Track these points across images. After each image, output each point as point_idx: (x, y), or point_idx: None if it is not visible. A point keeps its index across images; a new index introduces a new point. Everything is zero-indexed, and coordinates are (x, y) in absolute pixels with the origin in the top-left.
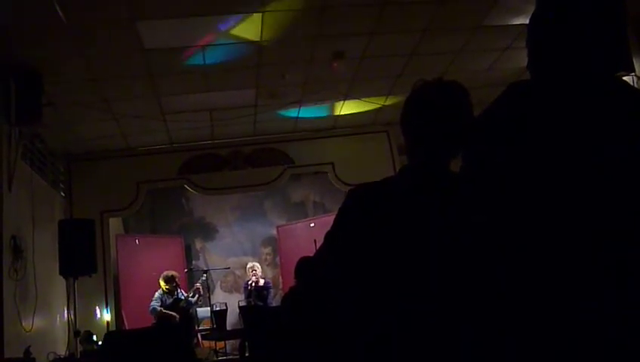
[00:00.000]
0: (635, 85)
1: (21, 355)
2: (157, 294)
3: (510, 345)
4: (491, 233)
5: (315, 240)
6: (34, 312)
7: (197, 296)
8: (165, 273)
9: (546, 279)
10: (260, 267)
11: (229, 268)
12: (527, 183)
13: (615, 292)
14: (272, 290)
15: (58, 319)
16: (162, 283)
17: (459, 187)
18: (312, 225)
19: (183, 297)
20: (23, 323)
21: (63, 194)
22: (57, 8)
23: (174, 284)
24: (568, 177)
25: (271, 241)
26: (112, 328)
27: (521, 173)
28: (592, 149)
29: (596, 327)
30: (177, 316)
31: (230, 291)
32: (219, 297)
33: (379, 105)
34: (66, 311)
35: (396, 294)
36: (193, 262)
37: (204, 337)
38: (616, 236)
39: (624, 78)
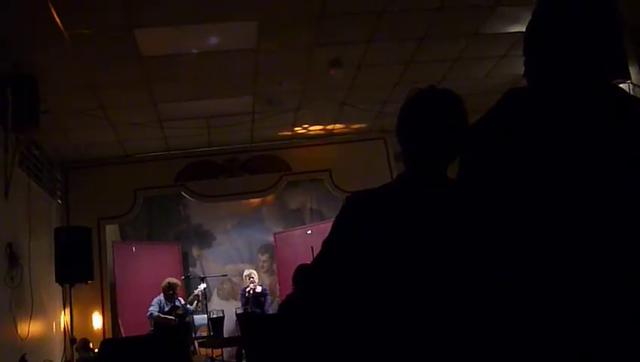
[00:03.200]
0: (632, 92)
1: None
2: (155, 300)
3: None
4: (486, 238)
5: (312, 248)
6: (30, 319)
7: (196, 302)
8: (168, 279)
9: (541, 282)
10: (257, 274)
11: (226, 275)
12: (524, 190)
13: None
14: (269, 297)
15: (54, 326)
16: (162, 288)
17: (455, 193)
18: (309, 232)
19: (180, 304)
20: (19, 331)
21: (59, 201)
22: (55, 15)
23: (172, 292)
24: (564, 184)
25: (268, 248)
26: (109, 335)
27: (517, 180)
28: (589, 156)
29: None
30: (173, 318)
31: (227, 298)
32: (216, 304)
33: None
34: (62, 319)
35: (394, 300)
36: (190, 270)
37: (201, 344)
38: (611, 248)
39: (620, 85)
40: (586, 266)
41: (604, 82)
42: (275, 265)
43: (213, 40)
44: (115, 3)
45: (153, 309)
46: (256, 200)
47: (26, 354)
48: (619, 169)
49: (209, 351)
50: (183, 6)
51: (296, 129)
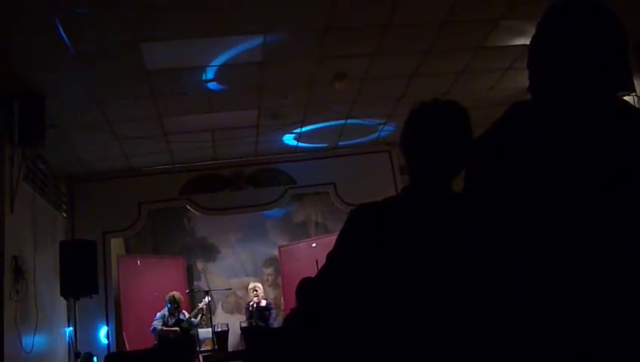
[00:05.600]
0: (636, 105)
1: None
2: (159, 314)
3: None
4: (490, 251)
5: (316, 261)
6: (34, 333)
7: (200, 315)
8: (171, 293)
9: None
10: (261, 287)
11: (230, 288)
12: (527, 202)
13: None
14: (273, 311)
15: (59, 340)
16: (166, 302)
17: (460, 206)
18: (313, 245)
19: (184, 318)
20: (24, 344)
21: (64, 215)
22: (61, 30)
23: (176, 306)
24: (567, 196)
25: (273, 262)
26: (113, 349)
27: (522, 192)
28: (592, 169)
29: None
30: (177, 329)
31: (232, 312)
32: (220, 318)
33: None
34: (66, 333)
35: (398, 313)
36: (195, 283)
37: (205, 358)
38: (611, 255)
39: (625, 97)
40: (586, 270)
41: (609, 95)
42: (279, 279)
43: (219, 53)
44: (120, 18)
45: (156, 323)
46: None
47: None
48: (621, 184)
49: None
50: (188, 20)
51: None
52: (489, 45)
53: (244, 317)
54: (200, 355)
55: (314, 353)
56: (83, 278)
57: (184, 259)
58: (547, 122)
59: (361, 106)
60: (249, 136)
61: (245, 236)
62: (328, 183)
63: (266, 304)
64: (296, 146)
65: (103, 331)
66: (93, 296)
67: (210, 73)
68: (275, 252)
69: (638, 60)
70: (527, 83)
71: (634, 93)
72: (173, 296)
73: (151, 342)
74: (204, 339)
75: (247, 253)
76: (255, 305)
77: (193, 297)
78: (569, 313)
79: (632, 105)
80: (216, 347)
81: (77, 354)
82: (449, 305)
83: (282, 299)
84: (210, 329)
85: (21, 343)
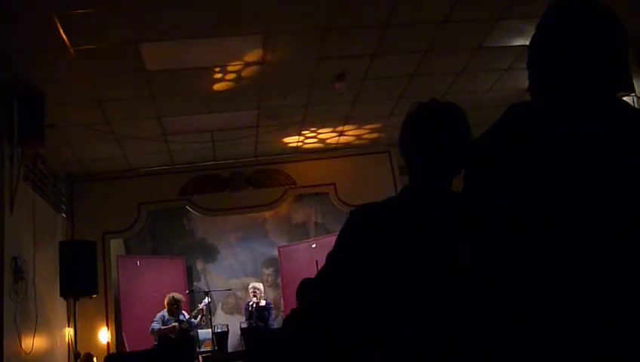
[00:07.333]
0: (636, 105)
1: None
2: (159, 315)
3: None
4: (489, 254)
5: (316, 261)
6: (34, 334)
7: (200, 316)
8: (171, 294)
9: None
10: (261, 288)
11: (230, 289)
12: (529, 203)
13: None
14: (273, 311)
15: (58, 341)
16: (166, 303)
17: (460, 207)
18: (313, 245)
19: (184, 319)
20: (23, 345)
21: (64, 215)
22: (60, 30)
23: (175, 307)
24: (569, 198)
25: (272, 262)
26: (113, 350)
27: (522, 193)
28: (593, 170)
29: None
30: (176, 324)
31: (231, 312)
32: (220, 319)
33: None
34: (66, 333)
35: (398, 314)
36: (194, 284)
37: (205, 359)
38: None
39: (624, 98)
40: (586, 271)
41: (609, 95)
42: (279, 279)
43: (218, 54)
44: (120, 18)
45: (155, 324)
46: (260, 214)
47: None
48: (621, 186)
49: None
50: (187, 20)
51: (302, 136)
52: (489, 45)
53: (243, 318)
54: (200, 356)
55: (313, 353)
56: (83, 279)
57: (184, 259)
58: (546, 123)
59: (361, 106)
60: (249, 136)
61: (245, 236)
62: (328, 184)
63: (266, 304)
64: (296, 147)
65: (103, 331)
66: (93, 296)
67: None
68: (275, 252)
69: (638, 60)
70: (527, 83)
71: (634, 94)
72: (172, 296)
73: (151, 342)
74: (204, 340)
75: (246, 253)
76: (255, 306)
77: (193, 298)
78: (569, 313)
79: (631, 105)
80: (216, 347)
81: (77, 355)
82: (448, 307)
83: (282, 299)
84: (210, 329)
85: (21, 343)
